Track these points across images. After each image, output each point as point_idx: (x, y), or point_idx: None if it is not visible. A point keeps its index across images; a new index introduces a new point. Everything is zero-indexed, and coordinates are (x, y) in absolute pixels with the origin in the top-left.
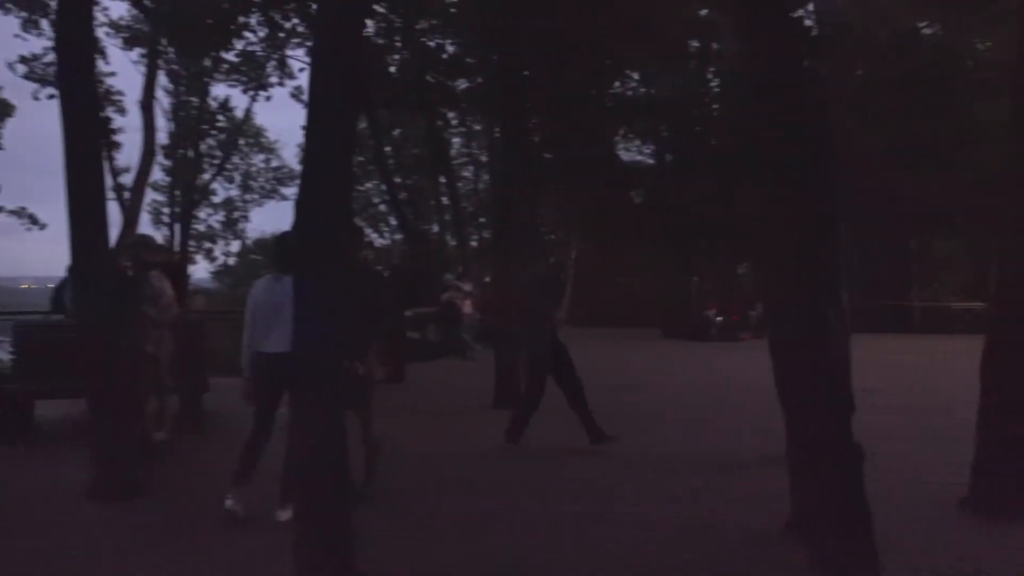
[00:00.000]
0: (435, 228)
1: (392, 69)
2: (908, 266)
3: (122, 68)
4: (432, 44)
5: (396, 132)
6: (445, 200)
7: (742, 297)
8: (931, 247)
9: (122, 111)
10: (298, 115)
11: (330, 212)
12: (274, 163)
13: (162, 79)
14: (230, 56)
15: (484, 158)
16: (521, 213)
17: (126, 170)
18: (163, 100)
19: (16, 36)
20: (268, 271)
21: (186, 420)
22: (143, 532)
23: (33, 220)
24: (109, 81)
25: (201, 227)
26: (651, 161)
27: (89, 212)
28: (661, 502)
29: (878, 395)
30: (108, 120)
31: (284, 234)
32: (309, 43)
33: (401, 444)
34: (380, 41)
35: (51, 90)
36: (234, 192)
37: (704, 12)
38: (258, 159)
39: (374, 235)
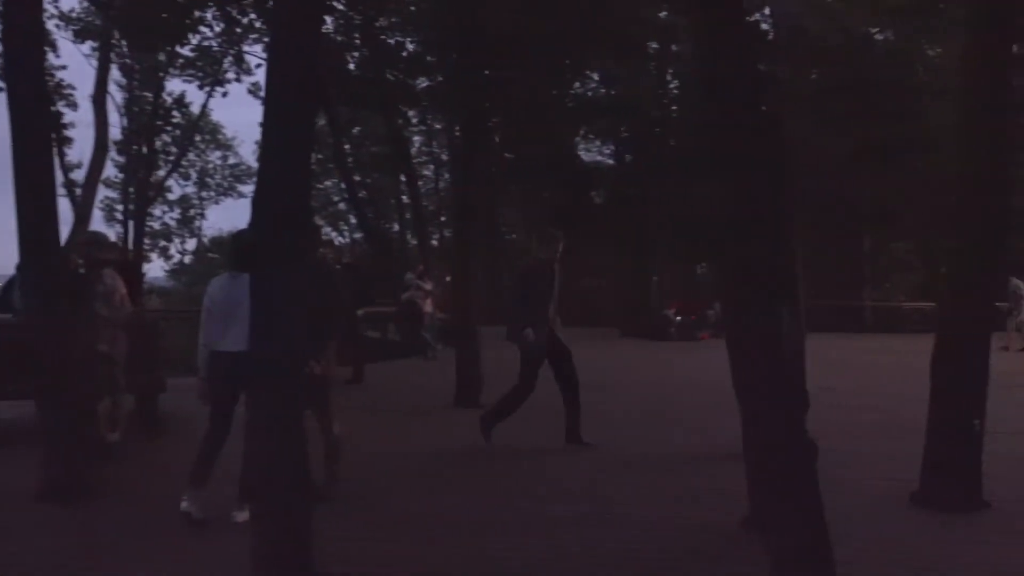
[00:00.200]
0: (395, 227)
1: (352, 67)
2: (861, 267)
3: (73, 62)
4: (392, 42)
5: (356, 130)
6: (405, 199)
7: (699, 297)
8: (884, 248)
9: (73, 106)
10: (256, 111)
11: (288, 210)
12: (231, 160)
13: (115, 73)
14: (185, 51)
15: (445, 157)
16: (482, 212)
17: (78, 166)
18: (116, 95)
19: None
20: (225, 269)
21: (141, 421)
22: (96, 535)
23: None
24: (60, 75)
25: (156, 225)
26: (611, 161)
27: (39, 209)
28: (624, 500)
29: (832, 393)
30: (59, 115)
31: (241, 232)
32: (266, 39)
33: (361, 444)
34: (339, 38)
35: None
36: (190, 189)
37: (663, 14)
38: (215, 156)
39: (334, 234)
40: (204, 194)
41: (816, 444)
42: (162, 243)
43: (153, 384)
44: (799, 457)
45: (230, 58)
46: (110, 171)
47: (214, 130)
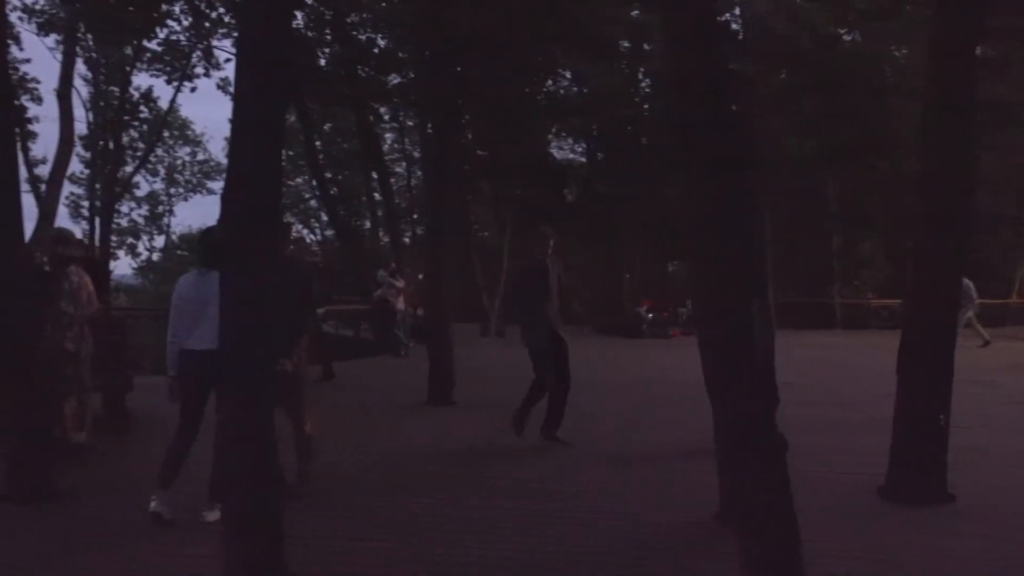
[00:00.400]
0: (367, 224)
1: (323, 63)
2: (830, 264)
3: (37, 55)
4: (363, 38)
5: (327, 126)
6: (377, 196)
7: (671, 294)
8: (853, 246)
9: (38, 100)
10: (225, 107)
11: (258, 207)
12: (200, 156)
13: (81, 67)
14: (153, 45)
15: (416, 154)
16: (454, 210)
17: (42, 161)
18: (82, 89)
19: None
20: (194, 267)
21: (109, 420)
22: (63, 536)
23: None
24: (24, 68)
25: (123, 222)
26: (583, 159)
27: (2, 205)
28: (599, 496)
29: (801, 389)
30: (23, 109)
31: (211, 229)
32: (236, 33)
33: (333, 442)
34: (310, 34)
35: None
36: (158, 186)
37: (635, 13)
38: (183, 152)
39: (305, 231)
40: (173, 190)
41: (786, 440)
42: (130, 240)
43: (120, 383)
44: (769, 451)
45: (199, 53)
46: (76, 167)
47: (183, 126)
